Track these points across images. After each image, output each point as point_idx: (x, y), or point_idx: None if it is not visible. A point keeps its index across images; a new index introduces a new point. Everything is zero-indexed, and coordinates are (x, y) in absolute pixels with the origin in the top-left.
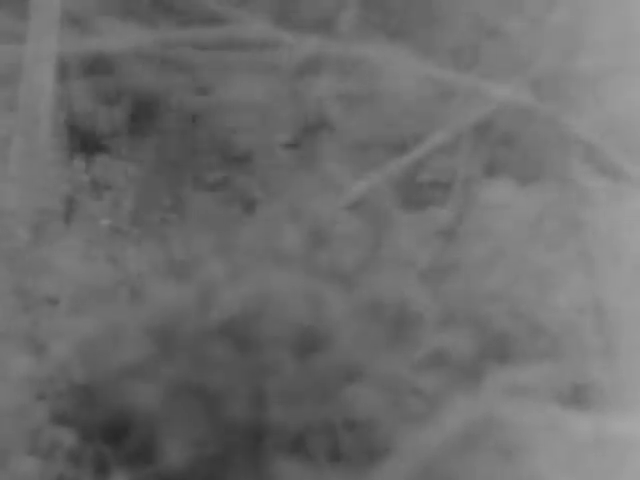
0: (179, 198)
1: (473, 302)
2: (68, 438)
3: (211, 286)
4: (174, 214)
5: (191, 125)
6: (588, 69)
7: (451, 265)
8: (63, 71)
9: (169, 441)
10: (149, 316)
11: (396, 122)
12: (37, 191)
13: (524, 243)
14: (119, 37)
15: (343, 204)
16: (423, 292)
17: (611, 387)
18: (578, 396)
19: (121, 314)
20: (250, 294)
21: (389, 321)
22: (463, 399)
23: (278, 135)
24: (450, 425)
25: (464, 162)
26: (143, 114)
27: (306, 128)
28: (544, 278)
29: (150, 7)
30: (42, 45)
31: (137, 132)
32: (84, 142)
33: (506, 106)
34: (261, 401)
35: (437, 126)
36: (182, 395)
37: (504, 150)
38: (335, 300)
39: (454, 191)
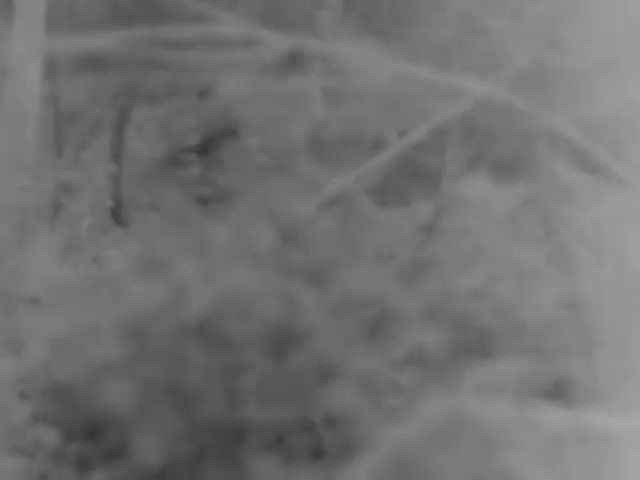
0: (157, 196)
1: (453, 299)
2: (50, 437)
3: (185, 285)
4: (153, 212)
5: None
6: (572, 65)
7: (431, 261)
8: (50, 69)
9: (147, 439)
10: (125, 315)
11: (376, 119)
12: (20, 190)
13: (504, 239)
14: (101, 36)
15: (319, 202)
16: (402, 289)
17: (591, 383)
18: (558, 392)
19: (98, 313)
20: (224, 293)
21: (367, 318)
22: (439, 395)
23: (251, 135)
24: (426, 421)
25: (444, 158)
26: (123, 116)
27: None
28: (525, 275)
29: (133, 6)
30: (28, 44)
31: (118, 130)
32: (69, 140)
33: (487, 102)
34: (237, 400)
35: (417, 123)
36: (160, 394)
37: (485, 146)
38: (311, 298)
39: (434, 187)
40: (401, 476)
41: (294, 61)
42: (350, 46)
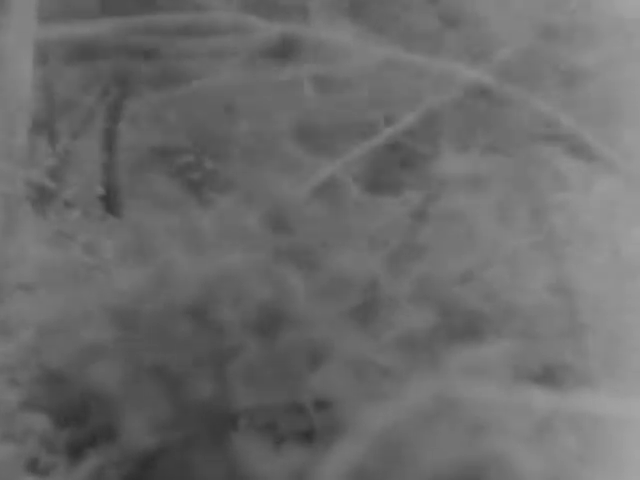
0: (148, 182)
1: (443, 283)
2: (40, 423)
3: (174, 269)
4: (146, 199)
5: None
6: (563, 51)
7: (421, 246)
8: (43, 60)
9: (137, 424)
10: (114, 299)
11: (366, 105)
12: (11, 177)
13: (496, 224)
14: (93, 24)
15: (309, 187)
16: (392, 273)
17: (582, 368)
18: (548, 376)
19: (87, 298)
20: (214, 276)
21: (357, 302)
22: (428, 378)
23: (241, 121)
24: (415, 403)
25: (435, 144)
26: (115, 104)
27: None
28: (516, 260)
29: None
30: (20, 32)
31: (111, 119)
32: (61, 128)
33: (478, 88)
34: (227, 383)
35: (408, 109)
36: (150, 378)
37: (476, 132)
38: (300, 282)
39: (425, 173)
40: (389, 458)
41: (285, 48)
42: (340, 33)
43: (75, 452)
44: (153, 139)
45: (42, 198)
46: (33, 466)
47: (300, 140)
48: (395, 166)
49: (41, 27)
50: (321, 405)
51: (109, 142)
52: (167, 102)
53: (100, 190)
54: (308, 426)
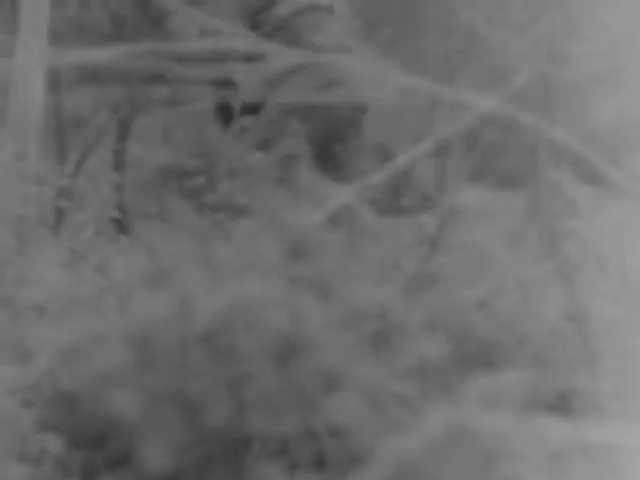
0: (164, 205)
1: (457, 311)
2: (56, 445)
3: (190, 295)
4: (159, 221)
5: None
6: (572, 78)
7: (434, 274)
8: (54, 82)
9: (152, 448)
10: (130, 323)
11: (381, 131)
12: (24, 199)
13: (508, 251)
14: (103, 49)
15: (324, 213)
16: (406, 300)
17: (594, 395)
18: (561, 404)
19: (103, 321)
20: (230, 303)
21: (371, 330)
22: (442, 406)
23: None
24: (429, 432)
25: (449, 171)
26: (125, 122)
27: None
28: (528, 286)
29: (138, 20)
30: (31, 57)
31: (120, 140)
32: (71, 150)
33: (490, 116)
34: (242, 409)
35: (422, 135)
36: (165, 403)
37: (488, 159)
38: (315, 309)
39: (439, 200)
40: None
41: (300, 73)
42: (355, 58)
43: (90, 474)
44: (163, 158)
45: (55, 219)
46: None
47: (315, 165)
48: (408, 193)
49: (54, 52)
50: (335, 433)
51: (119, 161)
52: (177, 120)
53: (113, 212)
54: (321, 453)
